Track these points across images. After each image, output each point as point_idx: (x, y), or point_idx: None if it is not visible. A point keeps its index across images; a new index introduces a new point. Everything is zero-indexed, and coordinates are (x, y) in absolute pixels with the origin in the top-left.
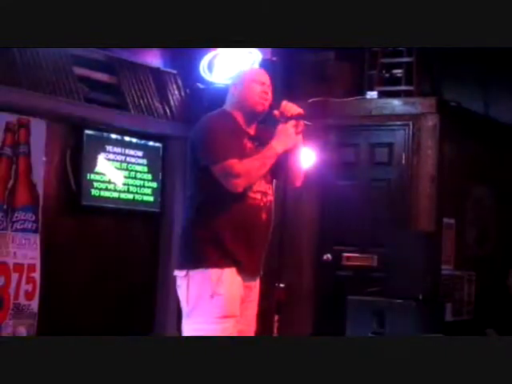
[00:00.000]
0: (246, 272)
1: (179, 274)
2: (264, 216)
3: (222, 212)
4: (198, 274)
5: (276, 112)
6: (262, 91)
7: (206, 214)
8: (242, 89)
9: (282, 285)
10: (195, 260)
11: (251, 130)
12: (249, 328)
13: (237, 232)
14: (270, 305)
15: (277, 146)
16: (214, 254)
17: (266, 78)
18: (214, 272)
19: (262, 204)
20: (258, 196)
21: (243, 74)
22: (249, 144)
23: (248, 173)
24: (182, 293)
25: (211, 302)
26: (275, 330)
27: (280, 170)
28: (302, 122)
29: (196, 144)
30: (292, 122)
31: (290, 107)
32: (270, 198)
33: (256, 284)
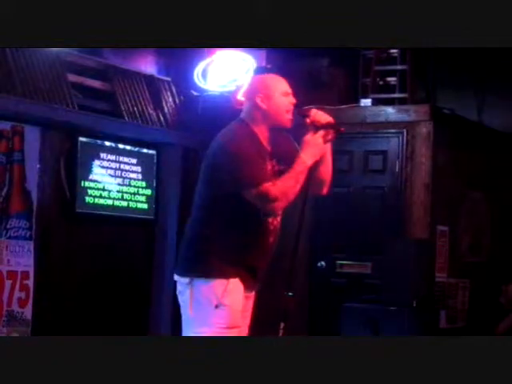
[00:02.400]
0: (247, 284)
1: (182, 280)
2: (271, 239)
3: (231, 229)
4: (202, 283)
5: (308, 120)
6: (289, 104)
7: (215, 229)
8: (272, 104)
9: (290, 293)
10: (200, 269)
11: (269, 146)
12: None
13: (243, 251)
14: (275, 312)
15: (307, 158)
16: (220, 265)
17: (287, 85)
18: (219, 282)
19: (271, 228)
20: (269, 219)
21: (268, 83)
22: (270, 162)
23: (285, 194)
24: (184, 299)
25: (215, 312)
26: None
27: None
28: (331, 131)
29: (221, 167)
30: (321, 132)
31: (321, 116)
32: (279, 218)
33: (253, 295)
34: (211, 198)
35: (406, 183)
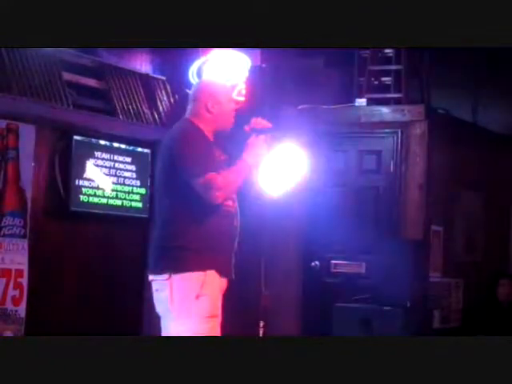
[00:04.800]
0: (222, 274)
1: (159, 278)
2: (235, 222)
3: (198, 220)
4: (181, 277)
5: (246, 127)
6: (234, 110)
7: (183, 223)
8: (221, 110)
9: (266, 292)
10: (177, 264)
11: (213, 138)
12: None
13: (213, 239)
14: (255, 312)
15: (249, 159)
16: (195, 258)
17: (232, 92)
18: (197, 274)
19: (233, 211)
20: (230, 203)
21: (220, 90)
22: (216, 150)
23: (228, 186)
24: (163, 296)
25: (197, 303)
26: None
27: None
28: (269, 135)
29: (176, 159)
30: (262, 137)
31: (260, 121)
32: (236, 203)
33: (225, 287)
34: (172, 192)
35: (401, 183)
